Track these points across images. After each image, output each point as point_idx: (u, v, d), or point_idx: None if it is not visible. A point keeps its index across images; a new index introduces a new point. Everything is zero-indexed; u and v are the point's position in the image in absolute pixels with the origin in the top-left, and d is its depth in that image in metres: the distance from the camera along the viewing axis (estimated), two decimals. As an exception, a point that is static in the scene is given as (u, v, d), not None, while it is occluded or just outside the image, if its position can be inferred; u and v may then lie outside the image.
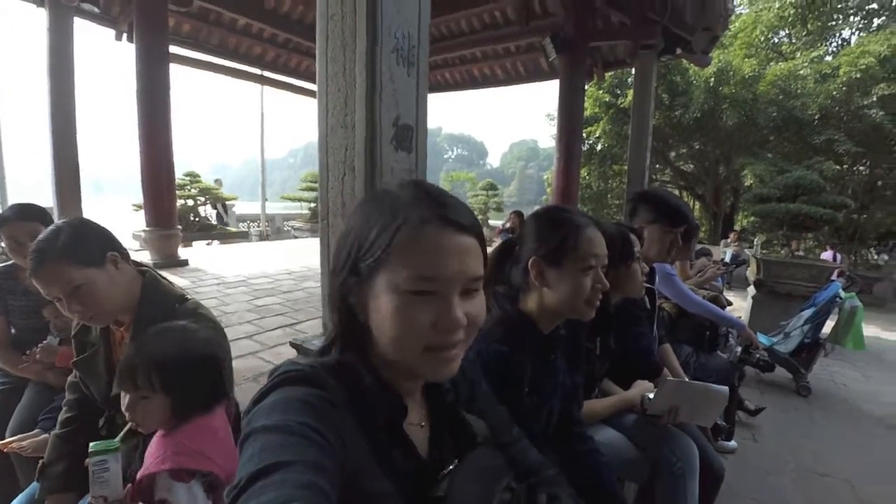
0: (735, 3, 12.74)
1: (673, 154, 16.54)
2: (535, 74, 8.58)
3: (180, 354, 1.04)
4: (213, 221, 13.01)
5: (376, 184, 1.45)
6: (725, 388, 1.49)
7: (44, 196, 5.49)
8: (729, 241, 11.29)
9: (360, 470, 0.55)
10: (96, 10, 5.55)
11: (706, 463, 1.53)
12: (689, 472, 1.42)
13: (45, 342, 1.71)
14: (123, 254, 1.28)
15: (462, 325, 0.57)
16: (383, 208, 0.59)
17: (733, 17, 13.10)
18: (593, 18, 6.46)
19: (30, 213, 1.78)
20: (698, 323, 2.63)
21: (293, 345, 1.77)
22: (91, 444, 1.05)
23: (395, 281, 0.56)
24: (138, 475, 0.97)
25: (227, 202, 13.72)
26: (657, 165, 16.39)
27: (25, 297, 1.83)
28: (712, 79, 12.51)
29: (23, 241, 1.71)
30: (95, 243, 1.21)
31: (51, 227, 1.19)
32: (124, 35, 6.19)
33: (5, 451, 1.43)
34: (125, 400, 1.03)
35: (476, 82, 9.47)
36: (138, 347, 1.05)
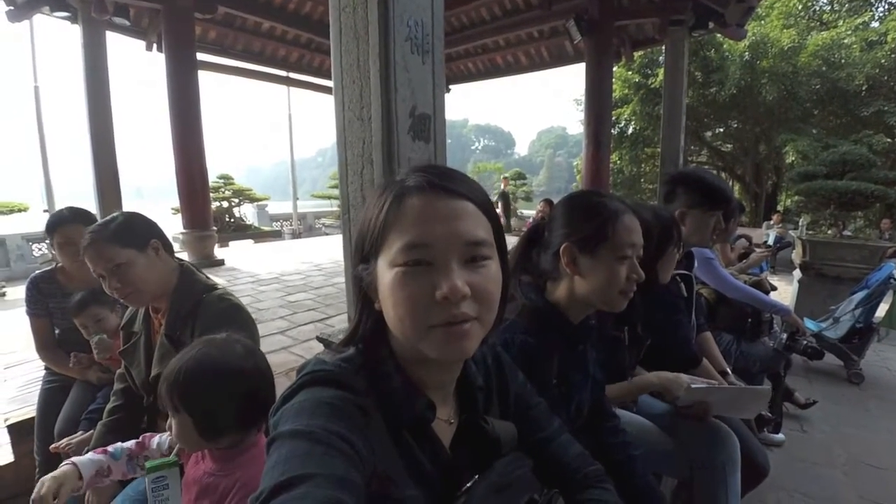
0: (772, -30, 12.04)
1: (709, 134, 15.89)
2: (559, 59, 8.34)
3: (200, 370, 0.94)
4: (248, 221, 13.41)
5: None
6: (767, 388, 1.41)
7: (89, 204, 5.78)
8: (772, 222, 10.72)
9: (388, 477, 0.54)
10: (127, 23, 5.76)
11: (748, 456, 1.45)
12: (730, 467, 1.35)
13: (96, 338, 1.73)
14: (166, 244, 1.40)
15: (464, 295, 0.52)
16: (379, 192, 0.60)
17: (770, -14, 12.41)
18: (619, -3, 6.25)
19: (85, 217, 1.88)
20: (739, 309, 2.50)
21: (320, 339, 1.79)
22: (147, 462, 1.06)
23: (390, 256, 0.55)
24: None
25: (260, 202, 14.09)
26: (692, 147, 15.77)
27: (65, 299, 1.89)
28: (748, 53, 11.91)
29: (78, 241, 1.78)
30: (141, 231, 1.36)
31: (109, 216, 1.35)
32: (154, 46, 6.41)
33: (55, 452, 1.51)
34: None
35: (500, 70, 9.32)
36: (172, 362, 0.97)
